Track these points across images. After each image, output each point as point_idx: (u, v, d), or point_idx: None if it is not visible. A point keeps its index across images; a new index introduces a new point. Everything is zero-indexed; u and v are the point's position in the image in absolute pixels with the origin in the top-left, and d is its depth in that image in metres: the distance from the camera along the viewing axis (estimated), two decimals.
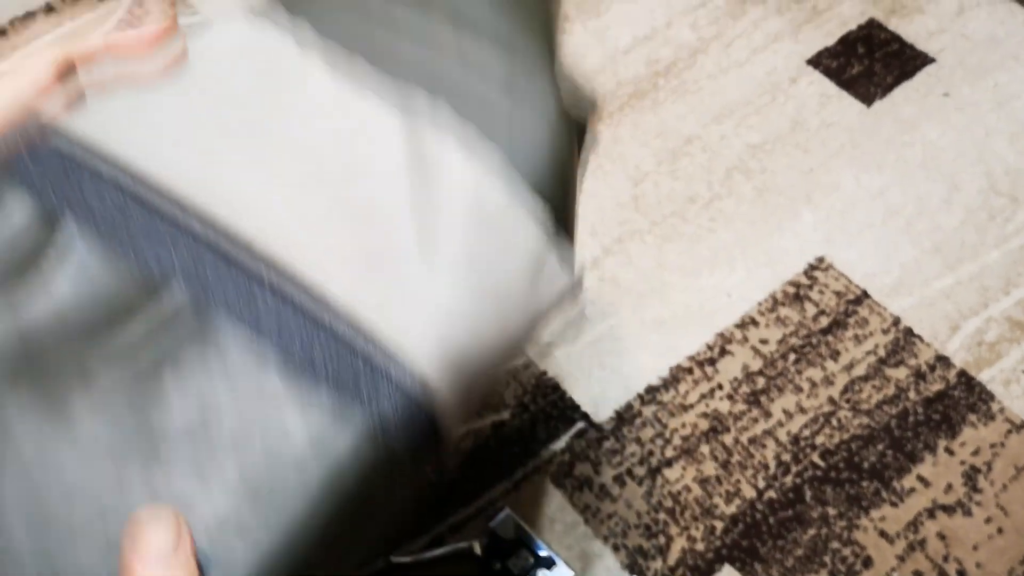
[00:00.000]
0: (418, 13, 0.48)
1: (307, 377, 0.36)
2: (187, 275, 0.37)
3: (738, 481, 0.85)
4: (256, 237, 0.39)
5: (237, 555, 0.33)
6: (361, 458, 0.36)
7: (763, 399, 0.89)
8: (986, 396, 0.89)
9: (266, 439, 0.35)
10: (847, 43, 1.16)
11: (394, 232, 0.40)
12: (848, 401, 0.89)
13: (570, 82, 0.50)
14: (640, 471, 0.85)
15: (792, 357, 0.91)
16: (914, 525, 0.82)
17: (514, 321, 0.42)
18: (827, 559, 0.80)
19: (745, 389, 0.90)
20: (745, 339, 0.93)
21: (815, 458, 0.86)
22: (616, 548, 0.81)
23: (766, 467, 0.85)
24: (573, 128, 0.48)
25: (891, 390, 0.89)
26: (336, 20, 0.47)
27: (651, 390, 0.90)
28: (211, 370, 0.35)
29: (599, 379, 0.91)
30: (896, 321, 0.93)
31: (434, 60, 0.46)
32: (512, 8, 0.49)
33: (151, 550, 0.31)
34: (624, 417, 0.88)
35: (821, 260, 0.98)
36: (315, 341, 0.37)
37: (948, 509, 0.83)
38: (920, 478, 0.84)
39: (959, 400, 0.88)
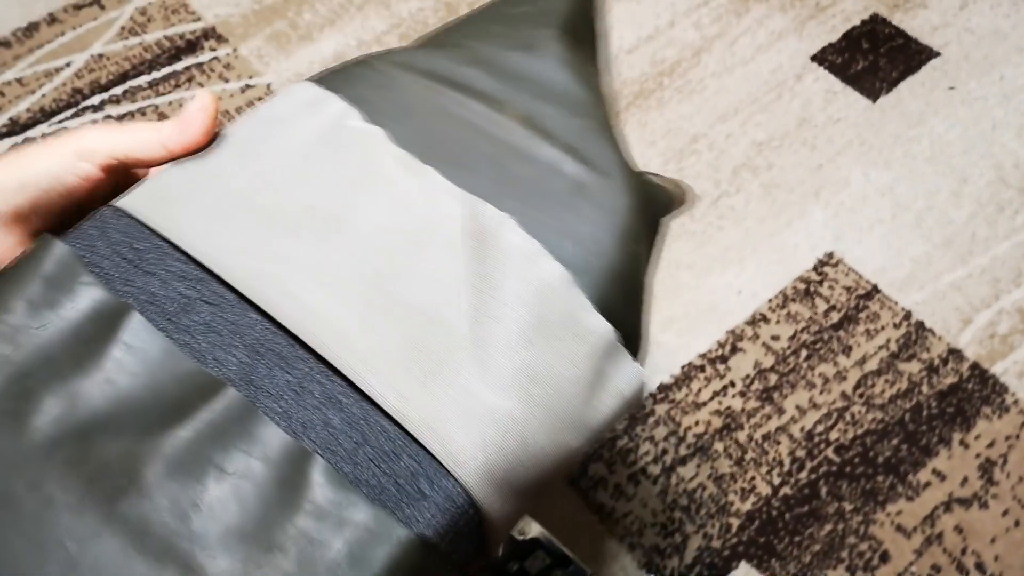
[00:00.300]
0: (492, 112, 0.48)
1: (350, 486, 0.36)
2: (242, 378, 0.38)
3: (753, 478, 0.84)
4: (311, 333, 0.39)
5: None
6: (399, 571, 0.35)
7: (776, 395, 0.89)
8: (1000, 388, 0.88)
9: (302, 550, 0.34)
10: (851, 39, 1.16)
11: (450, 334, 0.39)
12: (861, 396, 0.88)
13: (645, 181, 0.49)
14: (654, 470, 0.85)
15: (804, 353, 0.91)
16: (931, 519, 0.82)
17: (569, 432, 0.40)
18: (844, 554, 0.80)
19: (758, 386, 0.89)
20: (756, 336, 0.93)
21: (829, 453, 0.85)
22: (632, 547, 0.81)
23: (780, 463, 0.85)
24: (644, 230, 0.47)
25: (904, 384, 0.89)
26: (412, 113, 0.47)
27: (663, 388, 0.90)
28: (255, 478, 0.35)
29: None
30: (907, 315, 0.93)
31: (506, 158, 0.46)
32: (581, 113, 0.49)
33: None
34: (637, 416, 0.88)
35: (831, 256, 0.98)
36: (361, 449, 0.37)
37: (964, 502, 0.83)
38: (935, 472, 0.84)
39: (973, 393, 0.88)
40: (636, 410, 0.43)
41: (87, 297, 0.38)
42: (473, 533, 0.38)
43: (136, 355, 0.37)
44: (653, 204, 0.49)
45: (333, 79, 0.49)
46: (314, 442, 0.37)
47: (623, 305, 0.44)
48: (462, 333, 0.40)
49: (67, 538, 0.33)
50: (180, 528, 0.34)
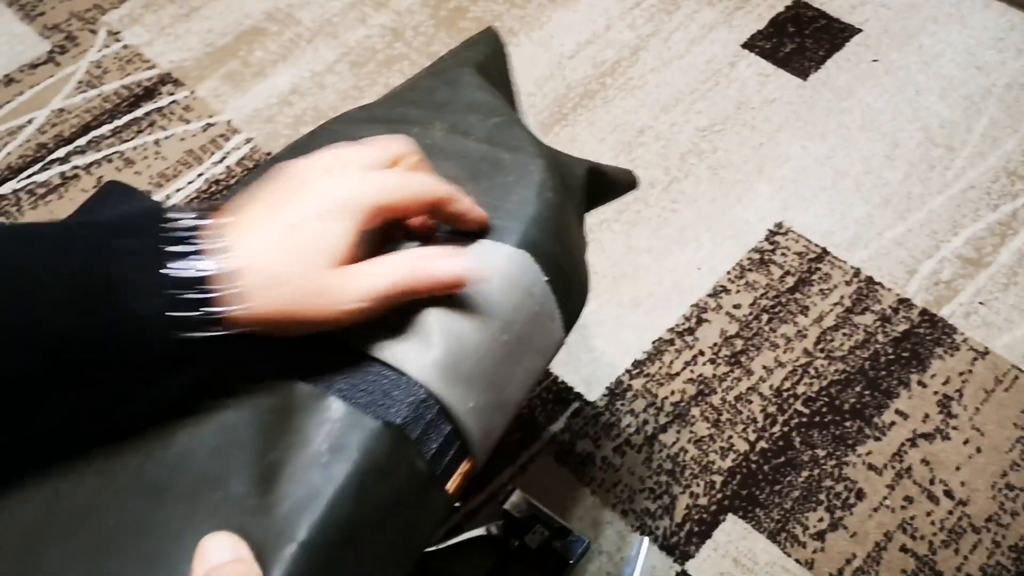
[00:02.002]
0: (422, 130, 0.56)
1: (326, 393, 0.43)
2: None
3: (730, 437, 0.89)
4: None
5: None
6: (372, 454, 0.42)
7: (743, 359, 0.94)
8: (949, 330, 0.94)
9: (295, 455, 0.42)
10: (777, 24, 1.23)
11: None
12: (822, 351, 0.94)
13: (560, 156, 0.58)
14: (637, 440, 0.90)
15: (765, 317, 0.97)
16: (899, 455, 0.87)
17: (496, 323, 0.48)
18: (822, 496, 0.85)
19: (725, 352, 0.95)
20: (719, 307, 0.98)
21: (799, 406, 0.91)
22: (624, 513, 0.86)
23: (754, 420, 0.90)
24: (559, 182, 0.55)
25: (860, 335, 0.95)
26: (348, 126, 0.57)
27: (638, 364, 0.95)
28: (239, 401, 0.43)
29: (588, 361, 0.95)
30: (857, 272, 0.99)
31: (437, 158, 0.54)
32: (495, 114, 0.58)
33: (213, 560, 0.37)
34: (616, 392, 0.93)
35: (780, 226, 1.03)
36: (336, 372, 0.44)
37: (928, 436, 0.88)
38: (898, 412, 0.90)
39: (925, 336, 0.94)
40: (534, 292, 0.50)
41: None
42: (440, 422, 0.45)
43: None
44: (565, 166, 0.58)
45: (301, 147, 0.57)
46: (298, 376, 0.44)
47: (548, 239, 0.52)
48: None
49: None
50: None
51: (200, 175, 1.14)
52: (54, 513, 0.41)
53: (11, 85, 1.24)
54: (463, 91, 0.59)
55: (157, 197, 1.11)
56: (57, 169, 1.15)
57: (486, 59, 0.64)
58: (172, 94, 1.22)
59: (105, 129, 1.19)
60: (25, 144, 1.18)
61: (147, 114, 1.20)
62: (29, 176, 1.15)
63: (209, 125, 1.19)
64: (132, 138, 1.18)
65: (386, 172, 0.45)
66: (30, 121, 1.20)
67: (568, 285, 0.53)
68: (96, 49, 1.27)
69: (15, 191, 1.14)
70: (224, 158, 1.15)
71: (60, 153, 1.17)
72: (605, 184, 0.63)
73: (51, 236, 0.38)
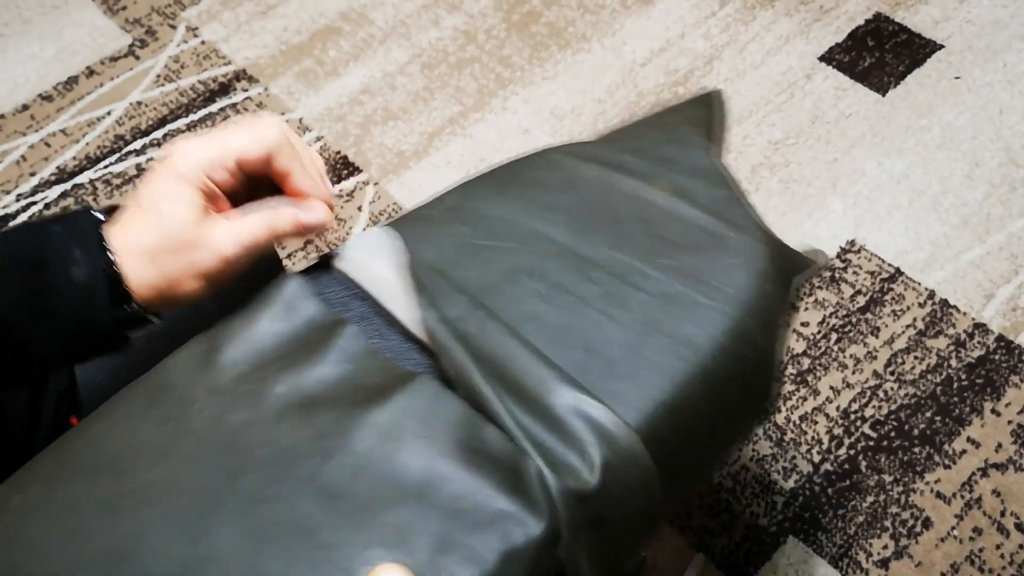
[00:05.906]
0: (643, 184, 0.57)
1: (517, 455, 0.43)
2: (428, 373, 0.46)
3: (794, 457, 0.88)
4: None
5: None
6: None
7: (810, 378, 0.92)
8: None
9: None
10: (856, 38, 1.20)
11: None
12: (892, 373, 0.92)
13: (784, 246, 0.57)
14: None
15: (834, 337, 0.95)
16: (969, 485, 0.85)
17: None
18: (888, 523, 0.83)
19: (791, 370, 0.93)
20: (786, 324, 0.96)
21: (866, 429, 0.89)
22: (682, 529, 0.84)
23: (819, 442, 0.88)
24: (778, 275, 0.54)
25: (933, 359, 0.92)
26: (575, 186, 0.57)
27: None
28: (434, 442, 0.43)
29: None
30: (931, 294, 0.97)
31: (655, 218, 0.55)
32: (720, 186, 0.57)
33: None
34: None
35: (853, 243, 1.01)
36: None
37: (1000, 467, 0.85)
38: (970, 440, 0.87)
39: (1000, 363, 0.91)
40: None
41: (308, 310, 0.48)
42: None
43: (346, 354, 0.47)
44: (785, 258, 0.57)
45: (515, 173, 0.58)
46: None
47: (757, 332, 0.51)
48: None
49: (300, 467, 0.43)
50: (376, 483, 0.42)
51: None
52: (227, 492, 0.42)
53: (92, 77, 1.27)
54: (690, 153, 0.60)
55: None
56: (133, 160, 1.17)
57: (715, 125, 0.64)
58: (247, 90, 1.24)
59: (181, 123, 1.21)
60: (103, 135, 1.20)
61: (222, 109, 1.22)
62: (106, 166, 1.17)
63: None
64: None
65: (216, 132, 0.47)
66: (109, 113, 1.23)
67: (767, 375, 0.52)
68: (175, 44, 1.30)
69: (92, 180, 1.16)
70: None
71: (136, 145, 1.19)
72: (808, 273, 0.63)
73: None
